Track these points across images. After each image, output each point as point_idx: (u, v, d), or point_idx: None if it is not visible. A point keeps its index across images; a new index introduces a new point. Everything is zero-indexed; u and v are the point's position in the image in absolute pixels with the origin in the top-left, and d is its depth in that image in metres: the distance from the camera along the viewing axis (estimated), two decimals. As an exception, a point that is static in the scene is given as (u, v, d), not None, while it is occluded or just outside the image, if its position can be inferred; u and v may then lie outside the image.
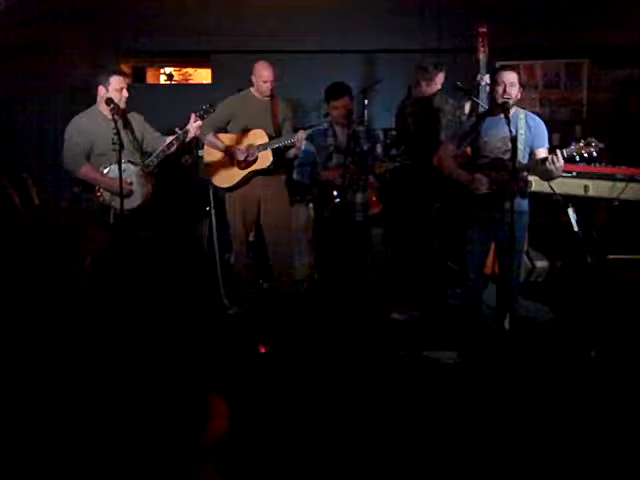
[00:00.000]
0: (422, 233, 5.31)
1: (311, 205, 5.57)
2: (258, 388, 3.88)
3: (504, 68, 4.21)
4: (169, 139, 4.54)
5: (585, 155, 3.92)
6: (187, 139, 4.55)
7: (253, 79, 5.00)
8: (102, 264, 4.36)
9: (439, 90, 5.22)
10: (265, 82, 4.94)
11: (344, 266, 5.20)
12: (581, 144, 3.92)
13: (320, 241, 5.23)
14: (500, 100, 4.08)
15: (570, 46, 6.43)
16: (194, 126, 4.50)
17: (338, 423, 3.48)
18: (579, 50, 6.48)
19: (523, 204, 4.21)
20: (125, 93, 4.45)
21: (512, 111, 4.10)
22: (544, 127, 4.22)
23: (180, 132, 4.50)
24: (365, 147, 4.96)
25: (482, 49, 4.93)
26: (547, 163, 3.96)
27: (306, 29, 6.52)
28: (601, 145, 3.91)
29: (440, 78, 5.21)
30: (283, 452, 3.24)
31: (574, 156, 3.94)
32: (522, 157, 4.12)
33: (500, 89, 4.08)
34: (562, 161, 3.93)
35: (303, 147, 4.93)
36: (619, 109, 6.46)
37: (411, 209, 5.31)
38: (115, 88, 4.40)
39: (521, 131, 4.12)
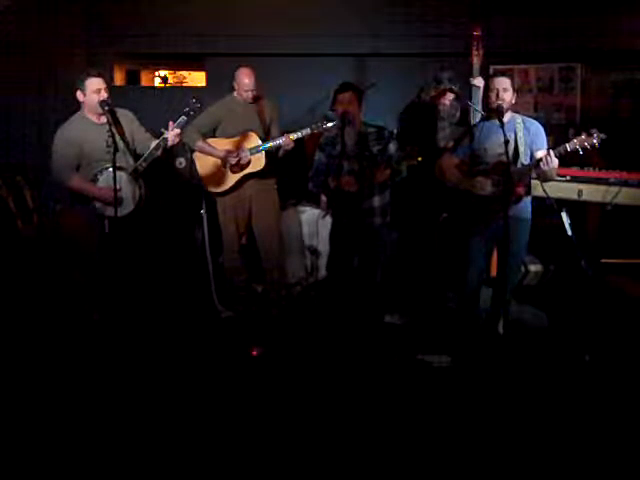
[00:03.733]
0: (426, 241, 5.32)
1: (300, 208, 5.58)
2: (252, 392, 3.87)
3: (496, 74, 4.28)
4: (155, 142, 4.43)
5: (588, 147, 3.91)
6: (167, 146, 4.44)
7: (235, 85, 5.01)
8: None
9: (446, 98, 5.22)
10: (246, 91, 4.97)
11: (357, 271, 5.07)
12: (583, 136, 3.92)
13: (337, 247, 4.96)
14: (494, 105, 4.13)
15: (564, 50, 6.45)
16: (171, 134, 4.40)
17: (333, 426, 3.48)
18: (573, 54, 6.49)
19: (525, 211, 4.25)
20: (103, 94, 4.30)
21: (508, 116, 4.17)
22: (542, 130, 4.25)
23: (160, 139, 4.41)
24: (375, 149, 4.69)
25: (476, 52, 4.93)
26: (541, 164, 4.00)
27: (300, 32, 6.52)
28: (603, 135, 3.90)
29: (449, 95, 5.22)
30: (278, 455, 3.24)
31: (577, 149, 3.93)
32: (525, 159, 4.17)
33: (493, 95, 4.15)
34: (556, 161, 3.96)
35: (316, 157, 4.88)
36: (612, 113, 6.47)
37: (411, 215, 5.34)
38: (92, 90, 4.30)
39: (520, 134, 4.16)
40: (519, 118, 4.23)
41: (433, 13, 6.47)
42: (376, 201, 4.76)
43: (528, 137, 4.18)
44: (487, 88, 4.26)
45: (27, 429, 3.41)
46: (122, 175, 4.35)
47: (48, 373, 4.01)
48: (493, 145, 4.19)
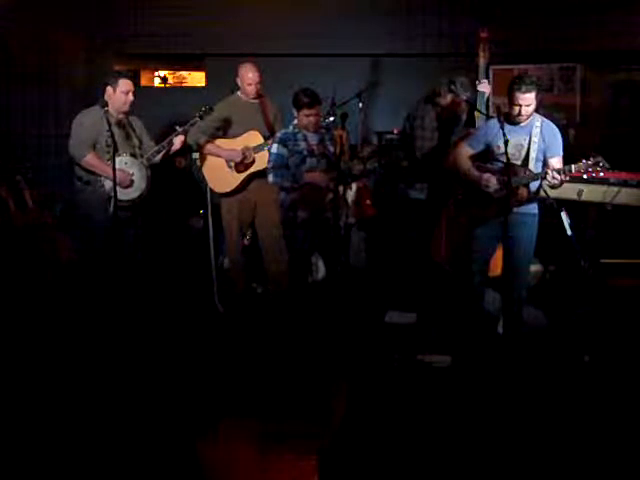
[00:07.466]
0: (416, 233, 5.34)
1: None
2: (252, 391, 3.88)
3: (519, 88, 4.00)
4: (158, 146, 4.60)
5: (592, 173, 4.00)
6: (170, 151, 4.64)
7: (239, 82, 5.00)
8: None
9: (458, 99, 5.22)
10: (250, 84, 4.96)
11: (333, 268, 5.19)
12: (590, 162, 3.98)
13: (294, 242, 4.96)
14: (513, 117, 4.08)
15: (564, 51, 6.46)
16: (177, 140, 4.60)
17: (332, 426, 3.48)
18: (573, 54, 6.50)
19: (530, 206, 4.24)
20: (131, 97, 4.53)
21: (529, 119, 4.11)
22: (559, 135, 4.20)
23: (164, 143, 4.58)
24: (331, 149, 4.84)
25: (482, 54, 4.94)
26: (547, 178, 4.02)
27: (302, 32, 6.53)
28: (607, 165, 3.98)
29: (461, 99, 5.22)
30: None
31: (581, 172, 4.01)
32: (533, 165, 4.13)
33: (517, 110, 4.04)
34: (559, 178, 3.98)
35: (274, 150, 4.78)
36: (612, 113, 6.48)
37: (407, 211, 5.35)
38: (122, 90, 4.50)
39: (535, 139, 4.11)
40: (538, 121, 4.14)
41: (435, 14, 6.48)
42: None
43: (542, 144, 4.12)
44: (510, 100, 4.08)
45: (25, 424, 3.41)
46: (135, 161, 4.54)
47: (45, 371, 4.01)
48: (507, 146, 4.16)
